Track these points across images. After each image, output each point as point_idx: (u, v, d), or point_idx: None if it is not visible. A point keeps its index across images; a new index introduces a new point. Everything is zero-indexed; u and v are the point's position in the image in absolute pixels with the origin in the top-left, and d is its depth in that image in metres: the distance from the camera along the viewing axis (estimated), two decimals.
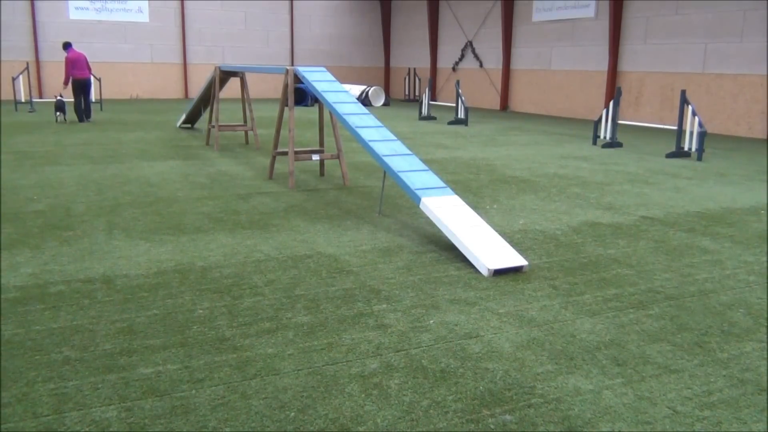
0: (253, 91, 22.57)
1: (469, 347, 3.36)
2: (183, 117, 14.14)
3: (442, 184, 5.69)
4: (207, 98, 12.41)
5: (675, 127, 12.34)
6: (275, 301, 3.98)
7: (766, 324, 3.75)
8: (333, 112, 7.10)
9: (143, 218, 6.03)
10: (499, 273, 4.55)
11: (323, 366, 3.13)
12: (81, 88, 14.80)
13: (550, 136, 13.85)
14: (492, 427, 2.62)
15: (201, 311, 3.79)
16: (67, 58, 14.56)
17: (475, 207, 6.48)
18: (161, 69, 24.58)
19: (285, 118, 8.02)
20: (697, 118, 10.54)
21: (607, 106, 12.63)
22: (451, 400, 2.82)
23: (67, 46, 14.71)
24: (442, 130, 14.73)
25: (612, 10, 17.30)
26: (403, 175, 5.68)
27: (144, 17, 24.07)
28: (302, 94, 20.88)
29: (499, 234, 5.17)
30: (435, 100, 25.40)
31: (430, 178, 5.75)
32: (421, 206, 5.38)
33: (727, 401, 2.85)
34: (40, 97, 22.38)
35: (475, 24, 23.32)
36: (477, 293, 4.18)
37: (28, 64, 19.75)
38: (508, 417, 2.69)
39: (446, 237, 5.19)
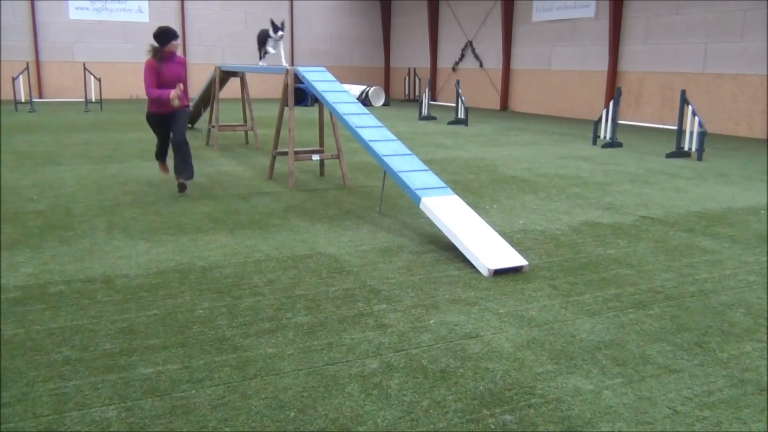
0: (253, 91, 22.56)
1: (469, 347, 3.36)
2: None
3: (442, 184, 5.69)
4: (207, 98, 12.41)
5: (675, 127, 12.34)
6: (275, 301, 3.98)
7: (766, 324, 3.75)
8: (333, 112, 7.09)
9: (143, 218, 6.03)
10: (499, 273, 4.55)
11: (323, 366, 3.13)
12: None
13: (550, 136, 13.85)
14: (492, 427, 2.62)
15: (201, 311, 3.79)
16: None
17: (475, 207, 6.48)
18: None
19: (285, 118, 8.01)
20: (697, 118, 10.54)
21: (607, 106, 12.63)
22: (451, 400, 2.82)
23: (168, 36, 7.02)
24: (442, 130, 14.73)
25: (612, 10, 17.30)
26: (403, 175, 5.68)
27: (144, 17, 24.07)
28: (302, 94, 20.88)
29: (499, 234, 5.17)
30: (435, 100, 25.39)
31: (430, 178, 5.75)
32: (421, 206, 5.38)
33: (727, 401, 2.85)
34: (40, 97, 22.38)
35: (475, 24, 23.31)
36: (477, 293, 4.18)
37: (28, 64, 19.75)
38: (508, 417, 2.69)
39: (446, 237, 5.19)
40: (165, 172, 7.79)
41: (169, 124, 7.10)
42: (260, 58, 9.43)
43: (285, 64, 8.33)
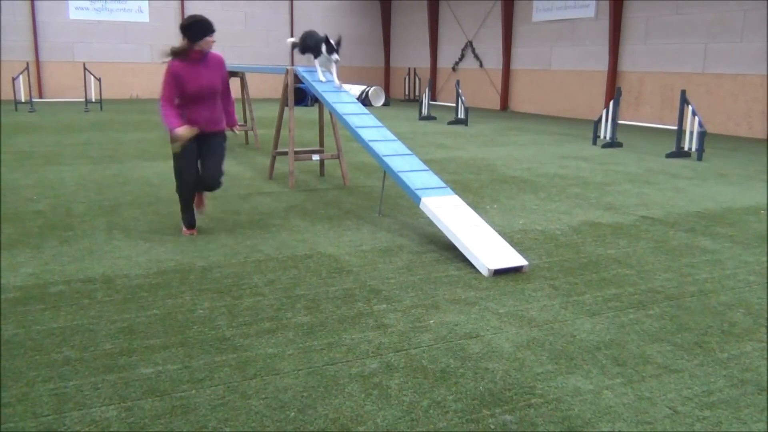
0: (253, 91, 22.54)
1: (469, 347, 3.36)
2: None
3: (442, 184, 5.69)
4: None
5: (675, 127, 12.34)
6: (275, 301, 3.98)
7: (766, 324, 3.75)
8: (333, 112, 7.09)
9: (143, 218, 6.03)
10: (499, 273, 4.55)
11: (323, 366, 3.12)
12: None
13: (550, 136, 13.84)
14: (492, 427, 2.62)
15: (201, 311, 3.79)
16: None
17: (475, 207, 6.47)
18: (161, 69, 24.46)
19: (285, 118, 8.01)
20: (697, 118, 10.54)
21: (607, 106, 12.63)
22: (451, 400, 2.82)
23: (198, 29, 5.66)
24: (442, 130, 14.72)
25: (612, 10, 17.30)
26: (403, 175, 5.68)
27: (144, 17, 24.07)
28: (302, 94, 20.87)
29: (499, 234, 5.17)
30: (435, 100, 25.38)
31: (430, 178, 5.75)
32: (421, 206, 5.38)
33: (727, 401, 2.85)
34: (40, 97, 22.37)
35: (475, 24, 23.31)
36: (477, 293, 4.18)
37: (28, 64, 19.73)
38: (508, 417, 2.69)
39: (446, 237, 5.19)
40: (190, 232, 5.44)
41: (199, 151, 5.22)
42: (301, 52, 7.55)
43: (338, 83, 7.24)
